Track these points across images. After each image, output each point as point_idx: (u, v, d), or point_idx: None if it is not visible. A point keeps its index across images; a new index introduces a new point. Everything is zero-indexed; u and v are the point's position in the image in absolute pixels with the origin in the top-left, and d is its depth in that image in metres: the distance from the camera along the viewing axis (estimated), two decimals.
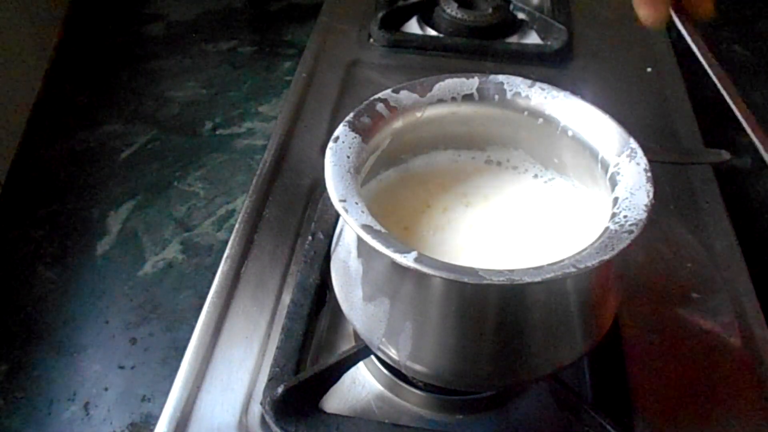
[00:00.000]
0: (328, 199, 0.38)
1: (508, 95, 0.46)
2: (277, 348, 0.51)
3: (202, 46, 1.83)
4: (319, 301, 0.54)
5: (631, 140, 0.41)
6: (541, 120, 0.46)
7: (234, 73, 1.74)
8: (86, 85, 1.69)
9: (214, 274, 0.58)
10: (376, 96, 0.45)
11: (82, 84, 1.69)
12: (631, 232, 0.36)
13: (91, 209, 1.37)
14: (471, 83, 0.46)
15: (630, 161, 0.40)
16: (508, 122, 0.47)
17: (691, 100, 0.77)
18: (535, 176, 0.49)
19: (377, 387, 0.52)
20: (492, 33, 0.87)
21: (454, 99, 0.46)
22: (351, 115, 0.43)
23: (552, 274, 0.34)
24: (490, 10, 0.88)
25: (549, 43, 0.85)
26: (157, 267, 1.26)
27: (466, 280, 0.34)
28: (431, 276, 0.35)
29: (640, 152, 0.40)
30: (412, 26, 0.91)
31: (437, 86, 0.46)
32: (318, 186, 0.66)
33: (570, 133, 0.44)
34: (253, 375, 0.51)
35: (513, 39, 0.89)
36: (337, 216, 0.55)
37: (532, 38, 0.89)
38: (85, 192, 1.41)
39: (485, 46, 0.85)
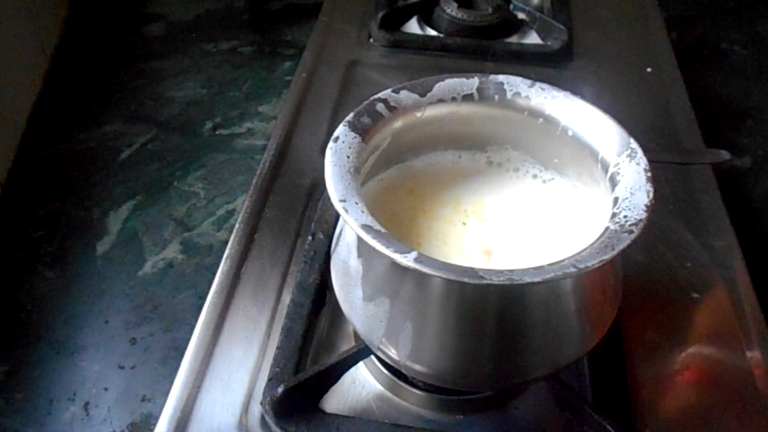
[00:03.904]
0: (328, 199, 0.38)
1: (508, 95, 0.46)
2: (277, 348, 0.51)
3: (202, 46, 1.83)
4: (319, 301, 0.54)
5: (631, 140, 0.41)
6: (541, 120, 0.46)
7: (234, 73, 1.74)
8: (86, 85, 1.69)
9: (214, 274, 0.58)
10: (376, 96, 0.45)
11: (82, 84, 1.69)
12: (631, 232, 0.36)
13: (91, 209, 1.38)
14: (471, 83, 0.46)
15: (630, 161, 0.40)
16: (508, 122, 0.47)
17: (691, 100, 0.77)
18: (535, 176, 0.49)
19: (377, 387, 0.52)
20: (492, 33, 0.87)
21: (454, 99, 0.46)
22: (351, 115, 0.43)
23: (552, 274, 0.34)
24: (490, 10, 0.88)
25: (549, 43, 0.85)
26: (157, 267, 1.26)
27: (466, 280, 0.34)
28: (431, 276, 0.35)
29: (640, 152, 0.41)
30: (412, 26, 0.91)
31: (437, 86, 0.46)
32: (318, 186, 0.66)
33: (570, 133, 0.44)
34: (253, 375, 0.51)
35: (513, 39, 0.89)
36: (337, 216, 0.55)
37: (532, 38, 0.89)
38: (85, 192, 1.41)
39: (485, 46, 0.85)
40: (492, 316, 0.39)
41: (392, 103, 0.45)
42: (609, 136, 0.42)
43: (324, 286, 0.55)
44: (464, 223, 0.46)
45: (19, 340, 1.14)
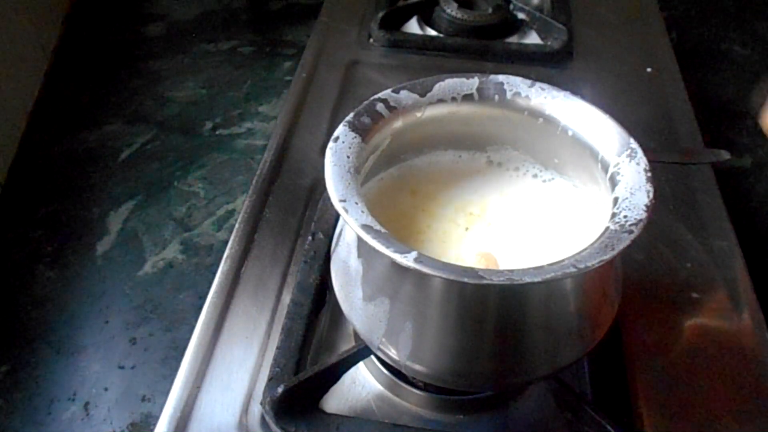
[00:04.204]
0: (328, 199, 0.38)
1: (508, 95, 0.46)
2: (277, 348, 0.51)
3: (202, 46, 1.83)
4: (319, 301, 0.54)
5: (631, 140, 0.41)
6: (541, 120, 0.46)
7: (234, 73, 1.74)
8: (86, 85, 1.69)
9: (214, 274, 0.58)
10: (376, 96, 0.45)
11: (82, 84, 1.69)
12: (631, 232, 0.36)
13: (91, 209, 1.38)
14: (471, 83, 0.46)
15: (630, 161, 0.40)
16: (508, 122, 0.47)
17: (691, 100, 0.77)
18: (535, 176, 0.49)
19: (377, 387, 0.52)
20: (492, 33, 0.87)
21: (454, 99, 0.46)
22: (351, 115, 0.43)
23: (552, 274, 0.34)
24: (490, 10, 0.88)
25: (549, 43, 0.85)
26: (157, 267, 1.26)
27: (466, 280, 0.34)
28: (431, 276, 0.35)
29: (640, 152, 0.41)
30: (412, 26, 0.91)
31: (437, 86, 0.46)
32: (318, 186, 0.66)
33: (570, 133, 0.44)
34: (253, 375, 0.51)
35: (513, 39, 0.89)
36: (337, 216, 0.55)
37: (532, 38, 0.89)
38: (85, 192, 1.41)
39: (485, 46, 0.85)
40: (492, 316, 0.39)
41: (392, 103, 0.45)
42: (609, 136, 0.42)
43: (324, 286, 0.55)
44: (464, 223, 0.46)
45: (19, 340, 1.14)
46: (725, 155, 0.62)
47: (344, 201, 0.37)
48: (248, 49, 1.83)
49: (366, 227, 0.36)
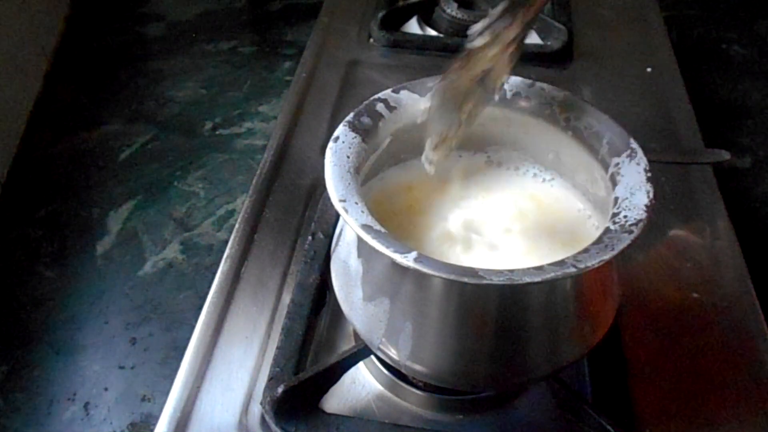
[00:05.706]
0: (328, 199, 0.38)
1: (508, 95, 0.46)
2: (277, 348, 0.51)
3: (202, 46, 1.83)
4: (319, 301, 0.54)
5: (631, 140, 0.41)
6: (541, 120, 0.46)
7: (234, 73, 1.74)
8: (86, 85, 1.69)
9: (214, 274, 0.58)
10: (376, 96, 0.45)
11: (82, 84, 1.69)
12: (631, 232, 0.36)
13: (91, 209, 1.38)
14: None
15: (630, 161, 0.40)
16: (508, 122, 0.47)
17: (691, 100, 0.77)
18: (535, 176, 0.49)
19: (377, 387, 0.52)
20: None
21: None
22: (351, 115, 0.43)
23: (552, 274, 0.34)
24: (490, 10, 0.88)
25: (549, 43, 0.85)
26: (157, 267, 1.26)
27: (466, 280, 0.34)
28: (431, 276, 0.35)
29: (640, 152, 0.41)
30: (412, 26, 0.91)
31: None
32: (318, 186, 0.66)
33: (570, 133, 0.44)
34: (253, 375, 0.51)
35: None
36: (337, 216, 0.55)
37: (532, 38, 0.89)
38: (85, 192, 1.41)
39: None
40: (492, 316, 0.39)
41: (392, 103, 0.45)
42: (609, 136, 0.42)
43: (324, 286, 0.55)
44: (464, 223, 0.46)
45: (19, 340, 1.14)
46: (725, 155, 0.62)
47: (344, 201, 0.37)
48: (248, 49, 1.83)
49: (366, 227, 0.36)
